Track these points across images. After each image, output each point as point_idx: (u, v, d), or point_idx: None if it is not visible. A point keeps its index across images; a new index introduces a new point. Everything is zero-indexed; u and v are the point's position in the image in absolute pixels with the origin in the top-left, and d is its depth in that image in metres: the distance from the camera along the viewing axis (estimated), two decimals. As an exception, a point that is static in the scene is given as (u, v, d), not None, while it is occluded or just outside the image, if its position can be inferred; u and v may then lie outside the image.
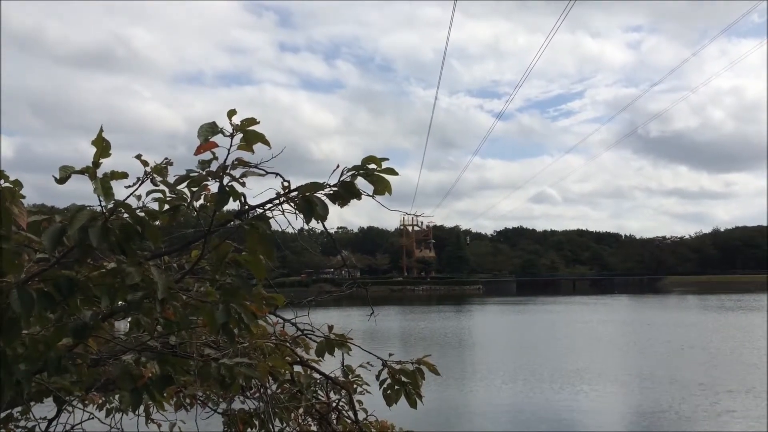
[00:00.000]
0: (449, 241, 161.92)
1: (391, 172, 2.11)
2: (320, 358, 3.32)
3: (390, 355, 3.09)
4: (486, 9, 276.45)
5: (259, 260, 2.09)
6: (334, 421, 3.14)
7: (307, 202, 2.04)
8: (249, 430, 3.34)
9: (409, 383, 2.94)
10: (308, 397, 3.05)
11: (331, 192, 2.09)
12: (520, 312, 66.03)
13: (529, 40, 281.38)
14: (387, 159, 2.09)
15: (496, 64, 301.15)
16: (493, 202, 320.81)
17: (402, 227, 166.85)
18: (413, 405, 2.96)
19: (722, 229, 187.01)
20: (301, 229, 3.55)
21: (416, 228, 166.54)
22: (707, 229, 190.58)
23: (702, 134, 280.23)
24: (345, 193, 2.08)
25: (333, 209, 2.08)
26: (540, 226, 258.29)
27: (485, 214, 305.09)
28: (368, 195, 2.11)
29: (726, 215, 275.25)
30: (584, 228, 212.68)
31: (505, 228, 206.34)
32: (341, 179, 2.09)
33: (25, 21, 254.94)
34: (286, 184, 2.10)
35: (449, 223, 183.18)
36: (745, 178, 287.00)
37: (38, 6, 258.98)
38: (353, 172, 2.09)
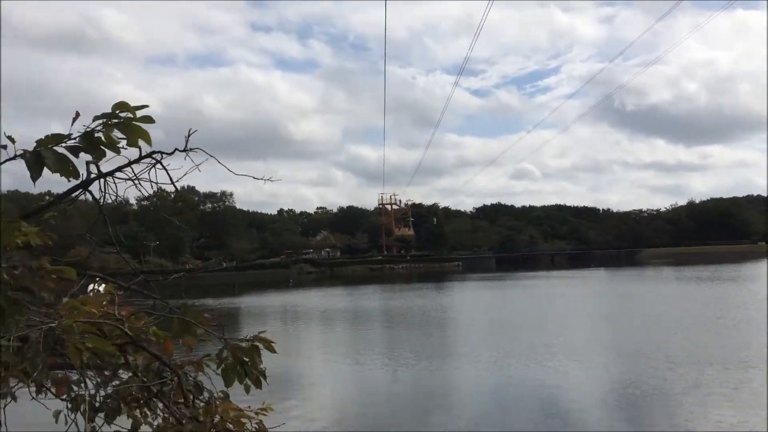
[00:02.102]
0: (428, 219, 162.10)
1: (148, 120, 1.75)
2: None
3: (227, 335, 2.77)
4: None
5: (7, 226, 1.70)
6: (185, 406, 2.80)
7: (36, 155, 1.66)
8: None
9: (248, 362, 2.70)
10: (144, 380, 2.70)
11: (73, 145, 1.71)
12: (497, 288, 66.27)
13: (501, 15, 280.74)
14: (147, 106, 1.73)
15: (470, 40, 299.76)
16: (471, 179, 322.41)
17: (381, 206, 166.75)
18: (257, 384, 2.74)
19: (697, 201, 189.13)
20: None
21: (395, 206, 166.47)
22: (685, 202, 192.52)
23: (677, 107, 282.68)
24: (88, 145, 1.71)
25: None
26: (521, 201, 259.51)
27: (465, 192, 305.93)
28: (124, 147, 1.75)
29: (702, 187, 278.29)
30: (563, 203, 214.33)
31: (484, 205, 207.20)
32: (86, 130, 1.72)
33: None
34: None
35: (429, 201, 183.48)
36: (721, 150, 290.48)
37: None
38: (103, 120, 1.72)
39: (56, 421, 3.26)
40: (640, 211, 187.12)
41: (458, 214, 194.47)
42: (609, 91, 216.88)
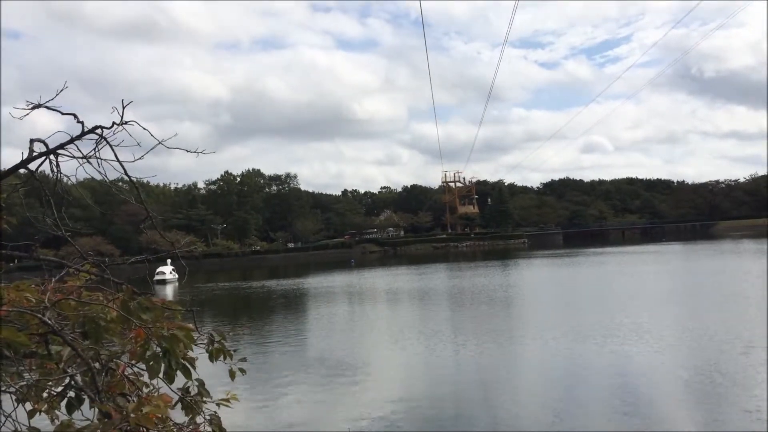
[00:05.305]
0: (492, 196, 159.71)
1: None
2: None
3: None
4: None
5: None
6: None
7: None
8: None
9: (169, 351, 2.58)
10: (69, 372, 2.57)
11: None
12: (565, 265, 64.39)
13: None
14: None
15: (535, 12, 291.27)
16: (535, 153, 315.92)
17: (444, 184, 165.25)
18: (186, 375, 2.67)
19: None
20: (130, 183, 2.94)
21: (459, 184, 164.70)
22: (766, 171, 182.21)
23: (760, 72, 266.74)
24: None
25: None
26: (591, 176, 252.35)
27: (534, 167, 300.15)
28: None
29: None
30: (636, 176, 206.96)
31: (552, 180, 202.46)
32: None
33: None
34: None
35: (496, 178, 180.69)
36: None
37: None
38: None
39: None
40: (717, 182, 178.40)
41: (525, 190, 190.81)
42: (686, 57, 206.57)
